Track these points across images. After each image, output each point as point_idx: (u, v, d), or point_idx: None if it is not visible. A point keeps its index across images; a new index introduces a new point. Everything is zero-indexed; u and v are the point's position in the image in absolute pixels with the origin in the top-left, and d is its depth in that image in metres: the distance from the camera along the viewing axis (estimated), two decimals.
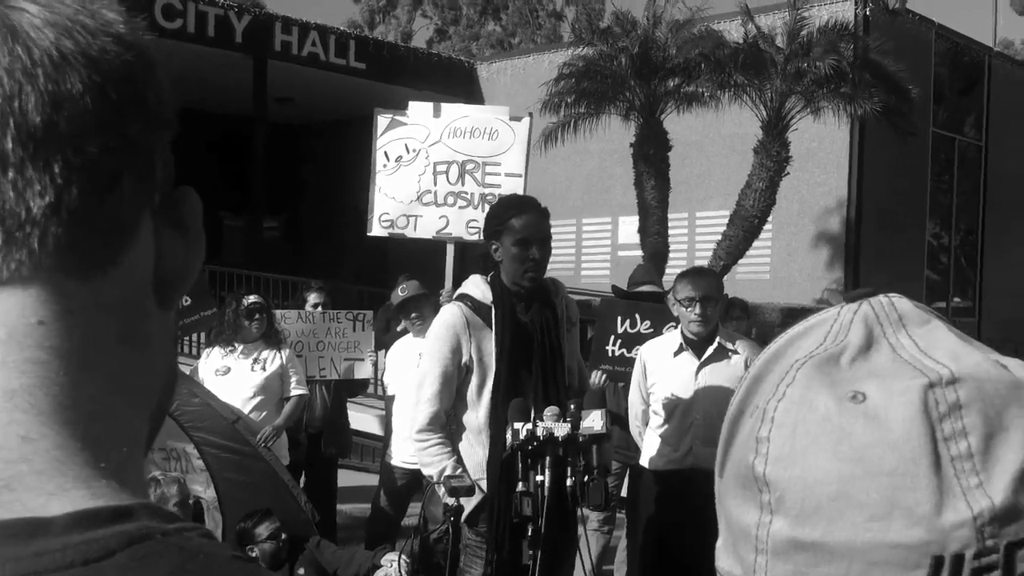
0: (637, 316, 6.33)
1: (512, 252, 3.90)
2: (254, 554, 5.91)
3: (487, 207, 6.26)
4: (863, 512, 0.62)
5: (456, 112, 6.73)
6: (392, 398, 6.67)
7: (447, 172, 6.60)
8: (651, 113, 14.48)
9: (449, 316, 3.95)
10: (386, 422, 7.15)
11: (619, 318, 6.37)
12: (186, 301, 6.79)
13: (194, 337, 11.01)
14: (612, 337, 6.28)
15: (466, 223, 6.51)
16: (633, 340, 6.24)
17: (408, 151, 6.63)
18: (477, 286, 4.00)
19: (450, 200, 6.61)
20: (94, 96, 0.59)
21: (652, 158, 14.33)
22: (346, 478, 8.24)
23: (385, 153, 6.67)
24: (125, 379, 0.63)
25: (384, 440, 7.08)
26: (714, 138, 17.49)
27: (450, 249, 6.66)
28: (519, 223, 3.91)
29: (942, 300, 20.92)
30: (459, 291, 4.11)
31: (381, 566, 5.74)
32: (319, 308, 7.36)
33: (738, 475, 0.67)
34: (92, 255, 0.61)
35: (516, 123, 6.65)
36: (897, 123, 14.16)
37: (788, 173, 14.05)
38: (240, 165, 20.18)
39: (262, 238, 21.79)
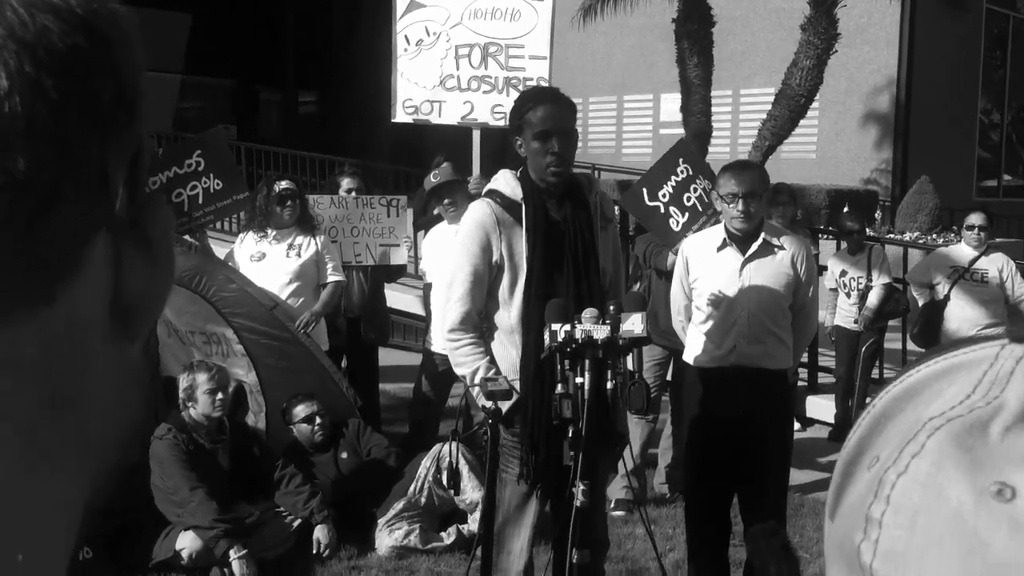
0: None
1: (533, 147, 3.76)
2: (294, 433, 5.98)
3: (512, 91, 6.14)
4: None
5: None
6: (430, 286, 6.63)
7: (469, 55, 6.48)
8: None
9: (478, 214, 3.82)
10: (425, 309, 7.13)
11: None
12: (217, 185, 6.71)
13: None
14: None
15: (491, 108, 6.42)
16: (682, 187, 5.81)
17: (428, 34, 6.51)
18: (508, 182, 3.86)
19: (474, 85, 6.50)
20: (25, 95, 0.45)
21: (695, 33, 13.93)
22: (388, 357, 8.26)
23: (405, 37, 6.55)
24: (48, 453, 0.49)
25: (425, 322, 7.08)
26: (760, 12, 17.00)
27: (476, 135, 6.56)
28: (536, 116, 3.75)
29: (993, 178, 20.58)
30: (488, 186, 3.98)
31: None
32: (352, 193, 7.27)
33: (843, 547, 0.52)
34: (11, 297, 0.47)
35: (539, 2, 6.46)
36: None
37: (836, 51, 13.63)
38: (272, 37, 19.92)
39: (297, 113, 21.61)
